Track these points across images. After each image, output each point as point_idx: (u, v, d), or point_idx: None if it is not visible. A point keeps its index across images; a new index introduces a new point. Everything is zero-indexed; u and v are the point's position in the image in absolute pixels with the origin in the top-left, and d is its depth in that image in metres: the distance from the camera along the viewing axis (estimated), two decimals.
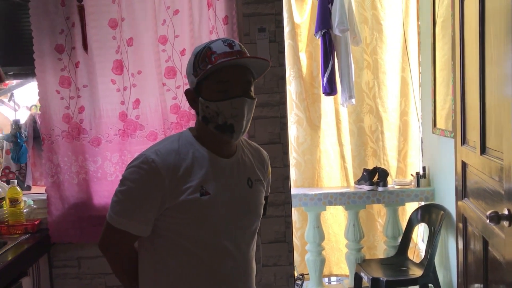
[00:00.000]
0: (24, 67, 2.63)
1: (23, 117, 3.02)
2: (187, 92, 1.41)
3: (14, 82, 2.97)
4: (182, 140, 1.41)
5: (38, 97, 2.51)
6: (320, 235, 3.42)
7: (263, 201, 1.54)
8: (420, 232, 3.63)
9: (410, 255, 3.42)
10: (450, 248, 3.12)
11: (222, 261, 1.41)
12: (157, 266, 1.41)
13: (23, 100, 3.22)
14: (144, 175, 1.34)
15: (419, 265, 3.18)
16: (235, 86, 1.34)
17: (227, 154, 1.43)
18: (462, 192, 2.42)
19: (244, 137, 1.54)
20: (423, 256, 3.29)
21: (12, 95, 2.94)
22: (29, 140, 2.78)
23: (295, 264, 3.51)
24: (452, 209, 3.00)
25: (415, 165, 3.68)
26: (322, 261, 3.46)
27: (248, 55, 1.39)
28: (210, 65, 1.32)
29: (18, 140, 2.71)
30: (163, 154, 1.35)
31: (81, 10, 2.46)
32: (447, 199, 3.14)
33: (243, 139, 1.55)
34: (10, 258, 2.20)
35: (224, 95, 1.33)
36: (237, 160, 1.46)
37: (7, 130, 3.05)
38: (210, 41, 1.39)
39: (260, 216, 1.52)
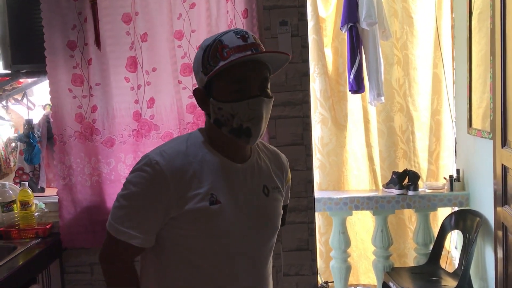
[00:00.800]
0: (36, 65, 2.53)
1: (38, 116, 2.94)
2: (196, 92, 1.26)
3: (30, 80, 2.89)
4: (191, 141, 1.26)
5: (49, 96, 2.41)
6: (345, 241, 3.24)
7: (281, 211, 1.37)
8: (454, 240, 3.41)
9: (443, 263, 3.21)
10: (487, 257, 2.91)
11: (235, 280, 1.25)
12: (162, 283, 1.27)
13: (38, 99, 3.15)
14: (147, 179, 1.19)
15: (453, 275, 2.96)
16: (251, 84, 1.19)
17: (241, 159, 1.28)
18: (502, 198, 2.24)
19: (261, 139, 1.39)
20: (457, 266, 3.08)
21: (25, 94, 2.85)
22: (42, 140, 2.69)
23: (319, 271, 3.35)
24: (489, 216, 2.81)
25: (448, 167, 3.46)
26: (347, 269, 3.28)
27: (263, 47, 1.24)
28: (222, 61, 1.17)
29: (31, 140, 2.62)
30: (169, 155, 1.21)
31: (94, 5, 2.35)
32: (484, 204, 2.92)
33: (259, 142, 1.39)
34: (19, 263, 2.11)
35: (239, 95, 1.18)
36: (252, 165, 1.30)
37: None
38: (221, 33, 1.23)
39: (278, 228, 1.36)
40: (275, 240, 1.35)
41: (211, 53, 1.19)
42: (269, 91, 1.23)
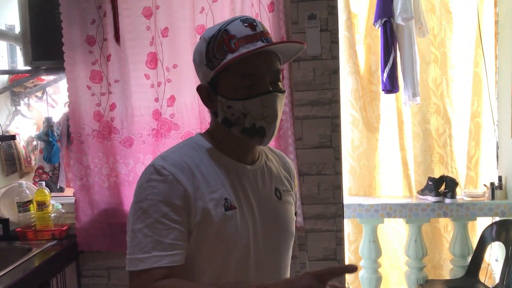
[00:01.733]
0: (57, 61, 2.45)
1: (59, 114, 2.87)
2: (200, 89, 1.13)
3: (52, 77, 2.83)
4: (194, 145, 1.14)
5: (67, 93, 2.33)
6: (376, 251, 3.06)
7: (294, 216, 1.26)
8: (494, 252, 3.17)
9: (482, 277, 2.98)
10: None
11: None
12: None
13: (62, 97, 3.09)
14: (158, 187, 1.04)
15: None
16: (263, 79, 1.06)
17: (250, 160, 1.16)
18: None
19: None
20: (497, 280, 2.85)
21: (45, 91, 2.79)
22: (62, 139, 2.60)
23: (347, 282, 3.17)
24: None
25: (488, 174, 3.23)
26: (378, 279, 3.10)
27: (271, 36, 1.11)
28: (231, 53, 1.04)
29: (50, 139, 2.54)
30: (172, 158, 1.09)
31: None
32: None
33: None
34: (34, 265, 2.04)
35: (250, 92, 1.05)
36: (262, 167, 1.18)
37: None
38: (225, 21, 1.09)
39: (294, 234, 1.24)
40: (291, 246, 1.23)
41: (217, 45, 1.06)
42: (281, 84, 1.10)
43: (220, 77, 1.07)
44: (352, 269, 0.97)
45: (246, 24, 1.06)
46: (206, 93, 1.11)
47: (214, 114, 1.13)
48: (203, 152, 1.12)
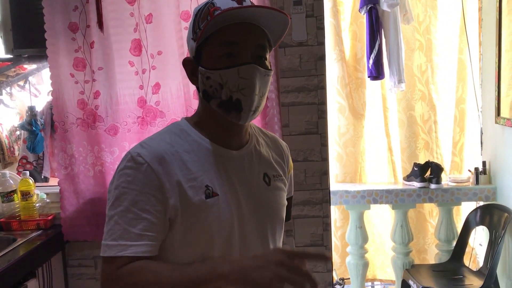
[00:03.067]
0: (39, 49, 2.41)
1: (43, 103, 2.84)
2: (185, 62, 1.11)
3: (35, 66, 2.79)
4: (175, 131, 1.11)
5: (50, 81, 2.29)
6: (363, 237, 3.08)
7: (285, 202, 1.22)
8: (478, 236, 3.22)
9: (466, 261, 3.02)
10: None
11: None
12: None
13: (45, 86, 3.05)
14: (133, 175, 1.03)
15: (478, 273, 2.79)
16: (243, 49, 1.03)
17: (237, 145, 1.13)
18: None
19: (257, 125, 1.25)
20: (481, 264, 2.89)
21: (27, 80, 2.75)
22: (46, 128, 2.58)
23: (334, 267, 3.20)
24: None
25: (473, 159, 3.26)
26: (365, 265, 3.13)
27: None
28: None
29: (34, 128, 2.51)
30: (150, 145, 1.06)
31: None
32: None
33: (257, 127, 1.24)
34: (19, 255, 2.02)
35: (229, 61, 1.02)
36: (250, 152, 1.15)
37: None
38: None
39: (283, 220, 1.21)
40: (281, 233, 1.21)
41: (202, 17, 1.04)
42: (267, 62, 1.07)
43: (203, 50, 1.05)
44: (326, 259, 0.99)
45: None
46: (191, 67, 1.09)
47: (198, 89, 1.10)
48: (185, 138, 1.09)
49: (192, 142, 1.09)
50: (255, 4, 1.08)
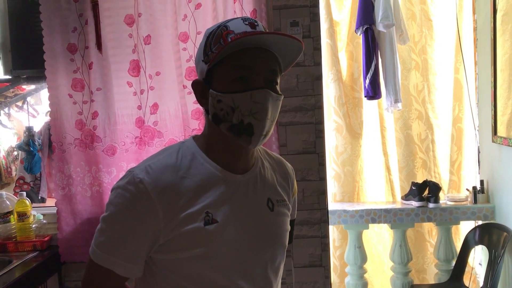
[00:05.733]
0: (37, 70, 2.42)
1: (41, 124, 2.84)
2: (195, 84, 1.10)
3: (33, 86, 2.80)
4: (183, 152, 1.09)
5: (48, 102, 2.30)
6: (362, 256, 3.06)
7: (288, 227, 1.20)
8: (478, 255, 3.20)
9: (466, 281, 3.00)
10: None
11: None
12: None
13: (43, 106, 3.05)
14: (129, 200, 1.03)
15: None
16: (256, 74, 1.02)
17: (242, 169, 1.12)
18: None
19: (263, 147, 1.23)
20: (481, 283, 2.87)
21: (26, 101, 2.75)
22: (43, 148, 2.57)
23: None
24: None
25: (471, 178, 3.26)
26: (364, 285, 3.10)
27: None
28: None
29: (31, 148, 2.50)
30: (155, 171, 1.05)
31: (95, 6, 2.25)
32: (511, 218, 2.72)
33: (262, 149, 1.23)
34: (15, 277, 1.99)
35: (241, 85, 1.02)
36: (255, 176, 1.14)
37: None
38: (227, 19, 1.07)
39: (286, 246, 1.19)
40: (283, 258, 1.19)
41: (215, 39, 1.04)
42: (278, 87, 1.07)
43: (215, 71, 1.04)
44: None
45: (247, 23, 1.04)
46: (201, 89, 1.08)
47: (206, 112, 1.09)
48: (190, 160, 1.08)
49: (198, 165, 1.08)
50: (265, 27, 1.09)
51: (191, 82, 2.22)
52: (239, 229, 1.08)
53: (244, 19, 1.05)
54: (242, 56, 1.02)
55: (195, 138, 1.14)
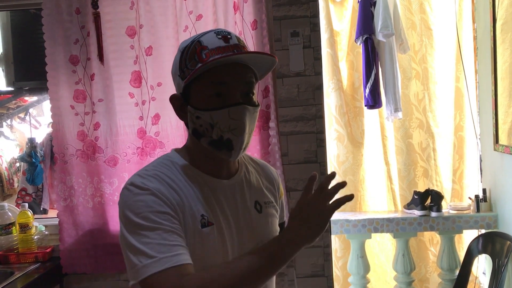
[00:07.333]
0: (40, 81, 2.45)
1: (43, 135, 2.85)
2: (172, 99, 1.11)
3: (35, 98, 2.82)
4: (167, 162, 1.11)
5: (50, 113, 2.31)
6: (364, 266, 3.04)
7: (278, 228, 1.23)
8: (481, 264, 3.18)
9: None
10: None
11: None
12: None
13: (46, 118, 3.07)
14: (144, 198, 1.01)
15: None
16: (233, 89, 1.05)
17: (227, 175, 1.14)
18: None
19: (247, 153, 1.26)
20: None
21: (28, 112, 2.77)
22: (45, 160, 2.58)
23: None
24: None
25: (473, 187, 3.25)
26: None
27: (248, 49, 1.11)
28: (201, 63, 1.03)
29: (33, 160, 2.51)
30: (149, 175, 1.06)
31: (97, 18, 2.27)
32: None
33: (245, 155, 1.26)
34: None
35: (219, 102, 1.04)
36: (240, 180, 1.16)
37: None
38: (200, 33, 1.09)
39: None
40: None
41: (189, 55, 1.05)
42: (254, 98, 1.09)
43: (191, 88, 1.06)
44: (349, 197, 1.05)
45: (220, 36, 1.06)
46: (178, 103, 1.10)
47: (186, 125, 1.11)
48: (176, 169, 1.09)
49: (183, 173, 1.09)
50: (238, 37, 1.11)
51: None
52: (232, 232, 1.10)
53: (218, 33, 1.07)
54: (218, 73, 1.04)
55: (177, 150, 1.16)
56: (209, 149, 1.07)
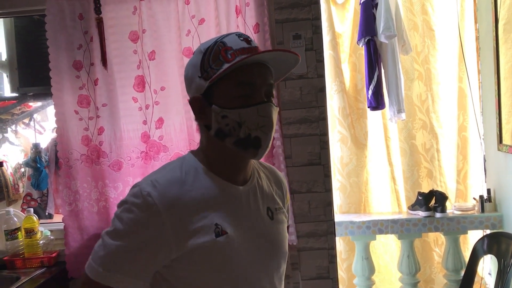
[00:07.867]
0: (44, 87, 2.46)
1: (47, 140, 2.86)
2: (193, 101, 1.10)
3: (39, 104, 2.83)
4: (186, 167, 1.10)
5: (54, 118, 2.32)
6: (369, 268, 3.04)
7: (287, 234, 1.24)
8: (487, 265, 3.17)
9: None
10: None
11: None
12: None
13: (50, 123, 3.08)
14: (138, 214, 1.03)
15: None
16: (259, 90, 1.06)
17: (242, 180, 1.14)
18: None
19: (265, 157, 1.26)
20: None
21: (32, 118, 2.78)
22: (50, 164, 2.59)
23: None
24: None
25: (477, 187, 3.24)
26: None
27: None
28: (227, 63, 1.04)
29: (38, 165, 2.52)
30: (162, 185, 1.05)
31: (100, 23, 2.28)
32: None
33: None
34: None
35: (246, 101, 1.05)
36: (254, 186, 1.16)
37: None
38: (221, 35, 1.10)
39: (287, 254, 1.22)
40: (285, 267, 1.21)
41: (213, 56, 1.06)
42: (274, 100, 1.11)
43: (215, 88, 1.06)
44: None
45: (242, 39, 1.08)
46: (199, 105, 1.09)
47: (206, 127, 1.10)
48: (193, 174, 1.09)
49: (202, 179, 1.09)
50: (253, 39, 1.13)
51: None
52: (246, 240, 1.10)
53: (239, 35, 1.09)
54: (245, 73, 1.05)
55: (193, 153, 1.15)
56: (234, 150, 1.07)
